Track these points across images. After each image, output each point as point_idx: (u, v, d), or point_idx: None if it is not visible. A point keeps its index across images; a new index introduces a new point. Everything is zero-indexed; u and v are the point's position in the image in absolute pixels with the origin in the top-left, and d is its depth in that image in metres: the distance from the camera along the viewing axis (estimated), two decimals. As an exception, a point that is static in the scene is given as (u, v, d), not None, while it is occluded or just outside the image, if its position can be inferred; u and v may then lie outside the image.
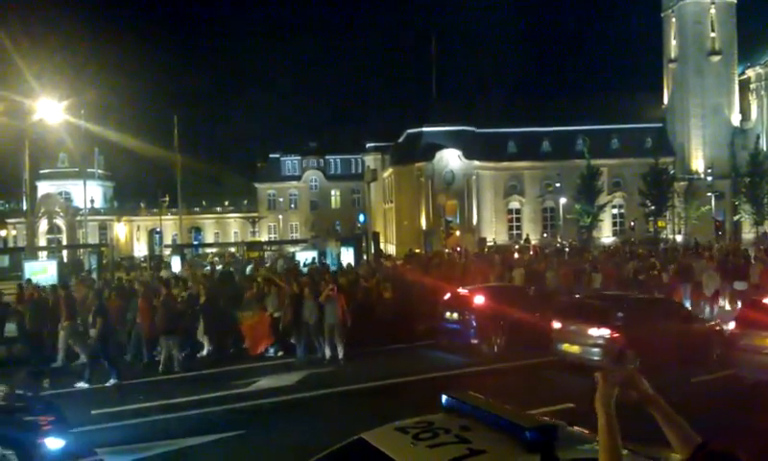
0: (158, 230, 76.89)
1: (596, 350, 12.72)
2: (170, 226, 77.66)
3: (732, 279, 22.50)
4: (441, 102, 66.11)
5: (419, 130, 66.36)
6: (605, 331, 12.74)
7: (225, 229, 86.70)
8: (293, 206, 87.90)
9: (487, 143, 65.78)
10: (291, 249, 46.86)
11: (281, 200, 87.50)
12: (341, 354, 14.75)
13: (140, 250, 79.41)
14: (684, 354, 12.63)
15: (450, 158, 64.84)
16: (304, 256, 34.53)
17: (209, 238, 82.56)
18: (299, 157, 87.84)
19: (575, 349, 13.17)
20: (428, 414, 3.53)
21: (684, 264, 22.80)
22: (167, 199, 70.35)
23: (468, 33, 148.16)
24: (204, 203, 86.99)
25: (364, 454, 3.23)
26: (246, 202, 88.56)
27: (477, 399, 3.53)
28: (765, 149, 63.60)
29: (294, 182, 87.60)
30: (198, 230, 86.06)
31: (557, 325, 13.91)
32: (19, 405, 8.60)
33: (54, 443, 7.79)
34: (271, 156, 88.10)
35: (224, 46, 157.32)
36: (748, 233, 59.14)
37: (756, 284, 22.25)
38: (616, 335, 12.61)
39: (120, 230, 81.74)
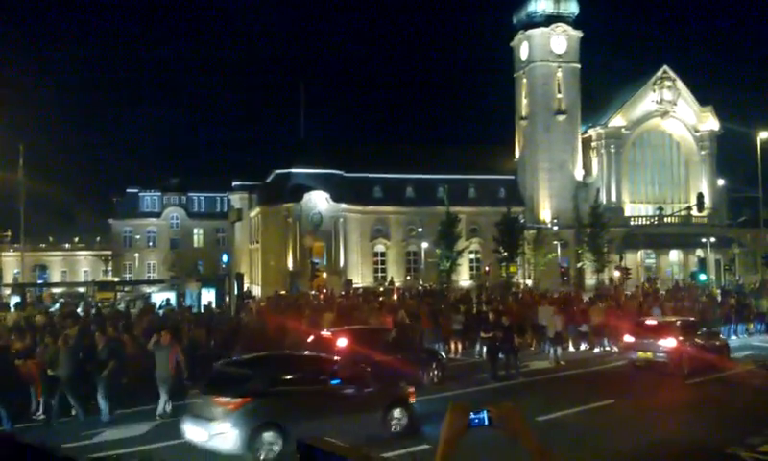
0: (-3, 267, 70.08)
1: (663, 355, 18.51)
2: (11, 263, 71.42)
3: (576, 321, 24.48)
4: (309, 144, 66.72)
5: (287, 170, 66.24)
6: (672, 341, 18.56)
7: (73, 267, 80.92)
8: (151, 244, 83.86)
9: (354, 187, 66.95)
10: (147, 289, 44.55)
11: (138, 237, 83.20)
12: (169, 407, 13.90)
13: (-26, 289, 72.12)
14: (710, 356, 18.76)
15: (318, 201, 65.24)
16: (161, 298, 32.99)
17: (56, 277, 76.61)
18: (159, 193, 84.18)
19: (648, 355, 18.94)
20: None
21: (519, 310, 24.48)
22: (9, 234, 64.89)
23: (338, 78, 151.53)
24: (51, 239, 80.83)
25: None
26: (99, 239, 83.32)
27: (331, 444, 3.62)
28: (604, 202, 69.67)
29: (153, 220, 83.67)
30: (43, 268, 79.61)
31: (630, 339, 19.96)
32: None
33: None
34: (128, 191, 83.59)
35: (79, 73, 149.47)
36: (590, 279, 64.14)
37: (597, 325, 24.41)
38: (678, 345, 18.43)
39: (-50, 266, 73.80)
